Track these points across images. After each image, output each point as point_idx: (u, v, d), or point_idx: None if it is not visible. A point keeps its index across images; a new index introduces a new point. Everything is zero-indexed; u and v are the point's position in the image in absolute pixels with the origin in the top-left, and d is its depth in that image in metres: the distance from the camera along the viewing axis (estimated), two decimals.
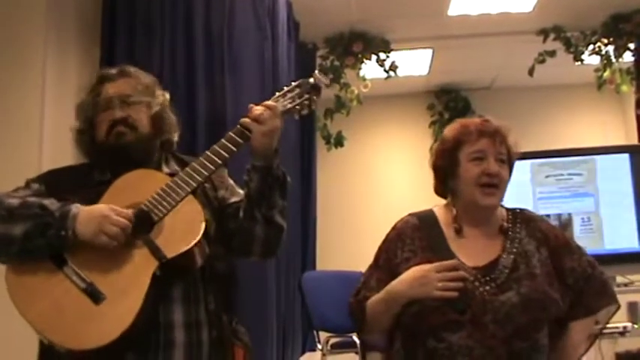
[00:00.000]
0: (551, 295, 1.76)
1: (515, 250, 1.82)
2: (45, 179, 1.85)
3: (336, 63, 5.47)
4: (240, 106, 3.14)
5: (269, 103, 1.79)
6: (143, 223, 1.69)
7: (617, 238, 3.42)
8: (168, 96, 1.94)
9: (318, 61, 5.52)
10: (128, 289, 1.63)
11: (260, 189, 1.78)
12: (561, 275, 1.81)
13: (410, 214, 1.93)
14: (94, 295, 1.64)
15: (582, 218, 3.40)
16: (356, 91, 5.59)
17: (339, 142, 5.98)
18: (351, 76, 5.53)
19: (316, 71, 1.88)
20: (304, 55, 5.31)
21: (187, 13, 3.29)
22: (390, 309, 1.79)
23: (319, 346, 4.00)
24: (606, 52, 5.36)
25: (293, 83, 1.84)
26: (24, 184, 1.84)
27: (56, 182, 1.83)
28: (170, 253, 1.65)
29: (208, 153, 1.76)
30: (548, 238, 1.86)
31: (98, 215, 1.64)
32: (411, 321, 1.77)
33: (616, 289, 3.42)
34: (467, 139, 1.84)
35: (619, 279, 3.56)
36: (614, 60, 5.37)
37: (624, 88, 5.49)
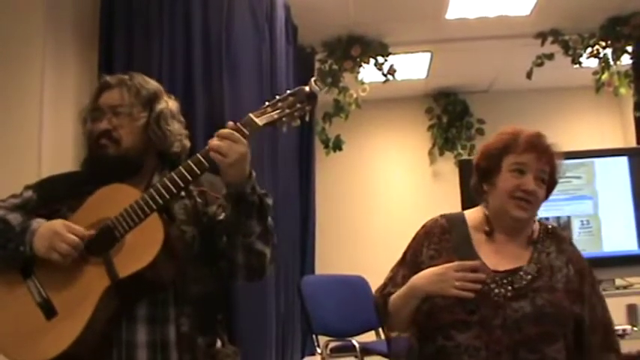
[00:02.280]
0: (569, 310, 1.75)
1: (541, 262, 1.81)
2: (40, 187, 1.86)
3: (335, 67, 5.46)
4: (238, 108, 3.14)
5: (225, 131, 1.64)
6: (106, 240, 1.66)
7: (615, 240, 3.41)
8: (172, 104, 1.89)
9: (317, 64, 5.51)
10: (77, 308, 1.62)
11: (234, 217, 1.70)
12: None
13: (441, 215, 1.94)
14: (48, 310, 1.64)
15: (581, 221, 3.40)
16: (354, 95, 5.58)
17: (337, 146, 5.99)
18: (349, 80, 5.53)
19: (313, 79, 1.72)
20: (303, 58, 5.31)
21: (185, 16, 3.28)
22: (408, 303, 1.81)
23: (319, 350, 3.99)
24: (604, 54, 5.36)
25: (287, 92, 1.71)
26: (22, 189, 1.85)
27: (50, 190, 1.84)
28: (124, 272, 1.62)
29: (179, 170, 1.67)
30: (573, 261, 1.85)
31: (51, 232, 1.64)
32: (422, 319, 1.79)
33: (615, 291, 3.44)
34: (513, 149, 1.83)
35: (618, 281, 3.56)
36: (612, 63, 5.37)
37: (622, 90, 5.50)
